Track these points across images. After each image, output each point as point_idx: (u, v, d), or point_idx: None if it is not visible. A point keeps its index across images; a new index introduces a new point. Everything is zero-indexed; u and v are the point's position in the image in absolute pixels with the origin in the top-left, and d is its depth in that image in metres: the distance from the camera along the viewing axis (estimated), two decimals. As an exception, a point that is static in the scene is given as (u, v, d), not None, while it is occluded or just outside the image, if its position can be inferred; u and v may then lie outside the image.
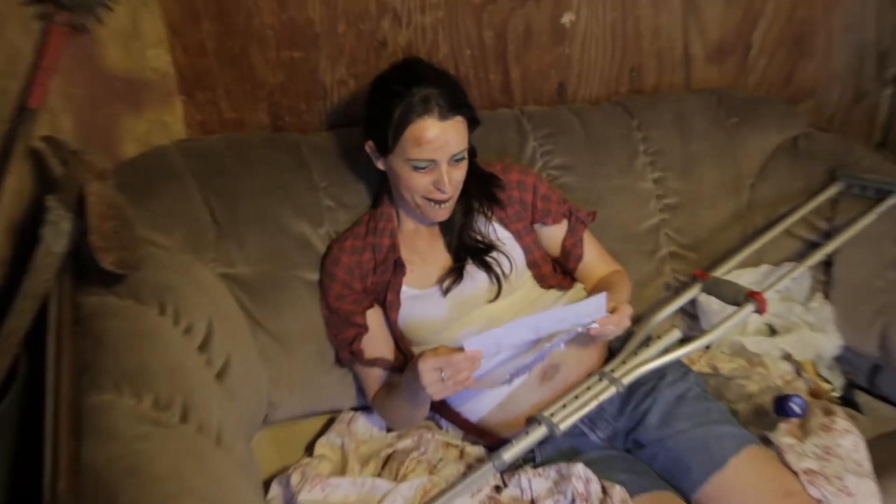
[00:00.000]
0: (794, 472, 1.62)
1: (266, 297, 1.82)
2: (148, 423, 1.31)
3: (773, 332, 2.06)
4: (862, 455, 1.70)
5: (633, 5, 2.33)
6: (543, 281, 1.83)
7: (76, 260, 1.57)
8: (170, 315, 1.56)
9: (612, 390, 1.67)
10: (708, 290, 1.96)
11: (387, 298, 1.77)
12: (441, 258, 1.79)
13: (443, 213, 1.71)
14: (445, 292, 1.75)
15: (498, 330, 1.49)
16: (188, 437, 1.34)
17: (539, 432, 1.61)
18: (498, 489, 1.62)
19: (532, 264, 1.83)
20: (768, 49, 2.56)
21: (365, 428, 1.82)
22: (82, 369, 1.38)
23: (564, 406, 1.64)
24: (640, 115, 2.21)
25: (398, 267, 1.76)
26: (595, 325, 1.61)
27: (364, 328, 1.77)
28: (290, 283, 1.84)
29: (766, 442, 1.69)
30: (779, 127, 2.29)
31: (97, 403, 1.31)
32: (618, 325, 1.64)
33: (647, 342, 1.80)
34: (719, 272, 2.03)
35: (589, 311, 1.58)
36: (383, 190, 1.84)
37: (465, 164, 1.69)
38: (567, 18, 2.26)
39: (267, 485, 1.66)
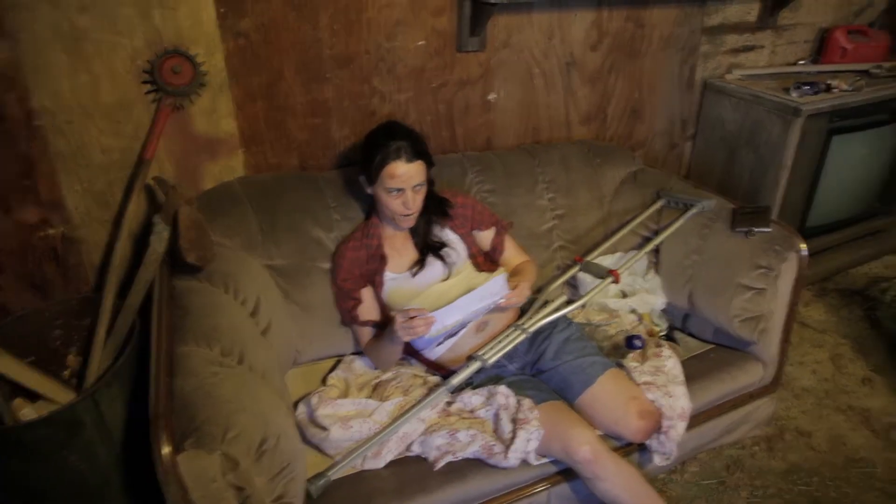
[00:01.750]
0: (638, 384, 1.61)
1: (295, 280, 1.73)
2: (217, 364, 1.25)
3: (624, 295, 2.02)
4: (678, 371, 1.70)
5: (532, 89, 2.27)
6: (479, 267, 1.76)
7: (172, 257, 1.52)
8: (231, 293, 1.49)
9: (522, 336, 1.64)
10: (583, 269, 1.93)
11: (375, 280, 1.69)
12: (411, 253, 1.72)
13: (409, 222, 1.66)
14: (414, 275, 1.69)
15: (446, 308, 1.50)
16: (243, 373, 1.28)
17: (475, 366, 1.58)
18: (449, 404, 1.58)
19: (471, 256, 1.77)
20: (617, 117, 2.52)
21: (360, 366, 1.74)
22: (174, 329, 1.33)
23: (492, 348, 1.61)
24: (539, 157, 2.14)
25: (382, 259, 1.69)
26: (503, 300, 1.58)
27: (360, 300, 1.70)
28: (311, 270, 1.75)
29: (621, 366, 1.67)
30: (625, 165, 2.24)
31: (184, 351, 1.26)
32: (518, 297, 1.61)
33: (545, 304, 1.77)
34: (591, 257, 1.99)
35: (497, 289, 1.56)
36: (372, 208, 1.75)
37: (424, 191, 1.64)
38: (491, 96, 2.19)
39: (296, 405, 1.60)
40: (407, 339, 1.52)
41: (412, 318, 1.49)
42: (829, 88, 2.49)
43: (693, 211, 1.96)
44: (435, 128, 2.14)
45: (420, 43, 2.01)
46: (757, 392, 1.93)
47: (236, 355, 1.30)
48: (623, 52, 2.40)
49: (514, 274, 1.76)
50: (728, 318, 1.81)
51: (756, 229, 1.82)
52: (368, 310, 1.71)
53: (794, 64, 2.87)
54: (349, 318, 1.72)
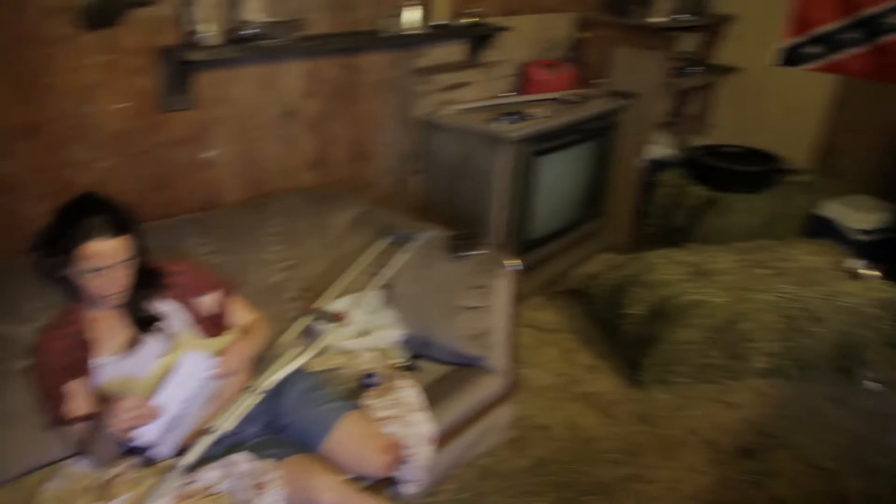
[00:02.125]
0: (377, 420, 1.68)
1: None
2: None
3: (365, 333, 2.05)
4: (417, 399, 1.80)
5: (252, 141, 2.27)
6: (205, 333, 1.70)
7: None
8: None
9: (257, 399, 1.62)
10: (314, 318, 1.94)
11: (84, 370, 1.54)
12: (126, 331, 1.60)
13: (116, 300, 1.56)
14: (131, 356, 1.58)
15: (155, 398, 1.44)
16: None
17: (209, 439, 1.53)
18: (187, 485, 1.48)
19: (196, 323, 1.71)
20: (342, 160, 2.62)
21: (81, 469, 1.56)
22: None
23: (225, 416, 1.57)
24: (263, 210, 2.15)
25: (89, 345, 1.56)
26: (215, 371, 1.57)
27: (68, 396, 1.53)
28: (4, 374, 1.56)
29: (362, 406, 1.72)
30: (351, 207, 2.32)
31: None
32: (228, 365, 1.59)
33: (278, 359, 1.75)
34: (323, 303, 2.01)
35: (198, 367, 1.53)
36: (74, 290, 1.59)
37: (131, 265, 1.54)
38: (209, 154, 2.17)
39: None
40: (117, 431, 1.42)
41: (128, 409, 1.40)
42: (529, 116, 2.83)
43: (415, 244, 2.10)
44: (147, 193, 2.05)
45: (121, 105, 1.92)
46: (496, 401, 2.11)
47: None
48: (341, 97, 2.51)
49: (241, 335, 1.74)
50: (456, 338, 1.97)
51: (469, 253, 2.00)
52: (78, 404, 1.54)
53: (501, 96, 3.21)
54: (57, 419, 1.55)
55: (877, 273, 2.70)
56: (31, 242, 1.78)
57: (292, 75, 2.32)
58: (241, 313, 1.82)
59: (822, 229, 3.43)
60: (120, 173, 1.98)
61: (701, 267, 2.73)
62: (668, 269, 2.71)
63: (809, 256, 2.86)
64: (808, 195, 3.58)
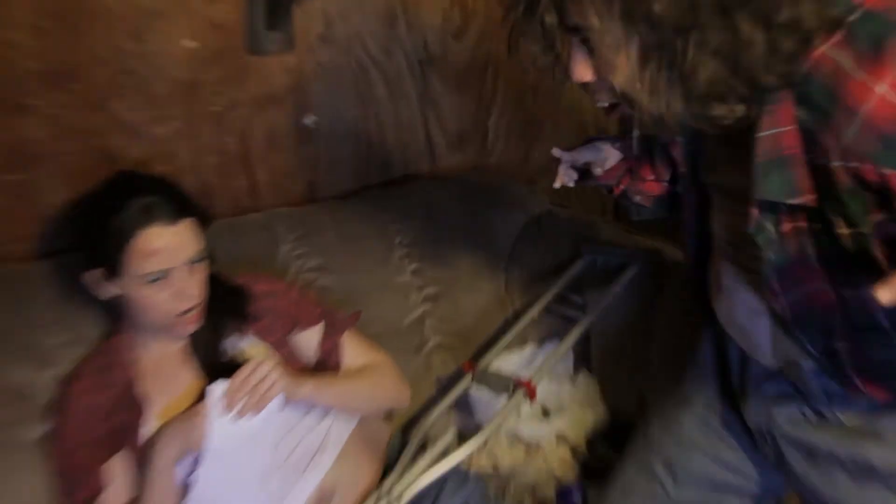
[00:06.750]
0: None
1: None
2: None
3: (546, 413, 1.89)
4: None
5: (373, 102, 2.19)
6: None
7: None
8: None
9: (390, 513, 1.46)
10: (478, 380, 1.80)
11: (132, 441, 1.41)
12: (192, 381, 1.48)
13: (192, 323, 1.46)
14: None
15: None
16: None
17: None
18: None
19: None
20: (504, 134, 2.52)
21: None
22: None
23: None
24: (392, 207, 2.09)
25: (138, 404, 1.43)
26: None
27: (103, 486, 1.38)
28: (11, 444, 1.43)
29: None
30: (522, 208, 2.22)
31: None
32: (238, 395, 1.39)
33: (423, 447, 1.64)
34: (487, 359, 1.88)
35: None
36: (116, 317, 1.51)
37: (205, 265, 1.48)
38: (310, 119, 2.07)
39: None
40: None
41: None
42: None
43: (629, 273, 1.90)
44: (222, 175, 1.97)
45: (188, 44, 1.85)
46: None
47: None
48: (504, 38, 2.33)
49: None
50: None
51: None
52: (120, 495, 1.39)
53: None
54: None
55: None
56: (57, 240, 1.74)
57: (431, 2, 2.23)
58: (354, 355, 1.68)
59: None
60: (185, 144, 1.90)
61: None
62: None
63: None
64: None
